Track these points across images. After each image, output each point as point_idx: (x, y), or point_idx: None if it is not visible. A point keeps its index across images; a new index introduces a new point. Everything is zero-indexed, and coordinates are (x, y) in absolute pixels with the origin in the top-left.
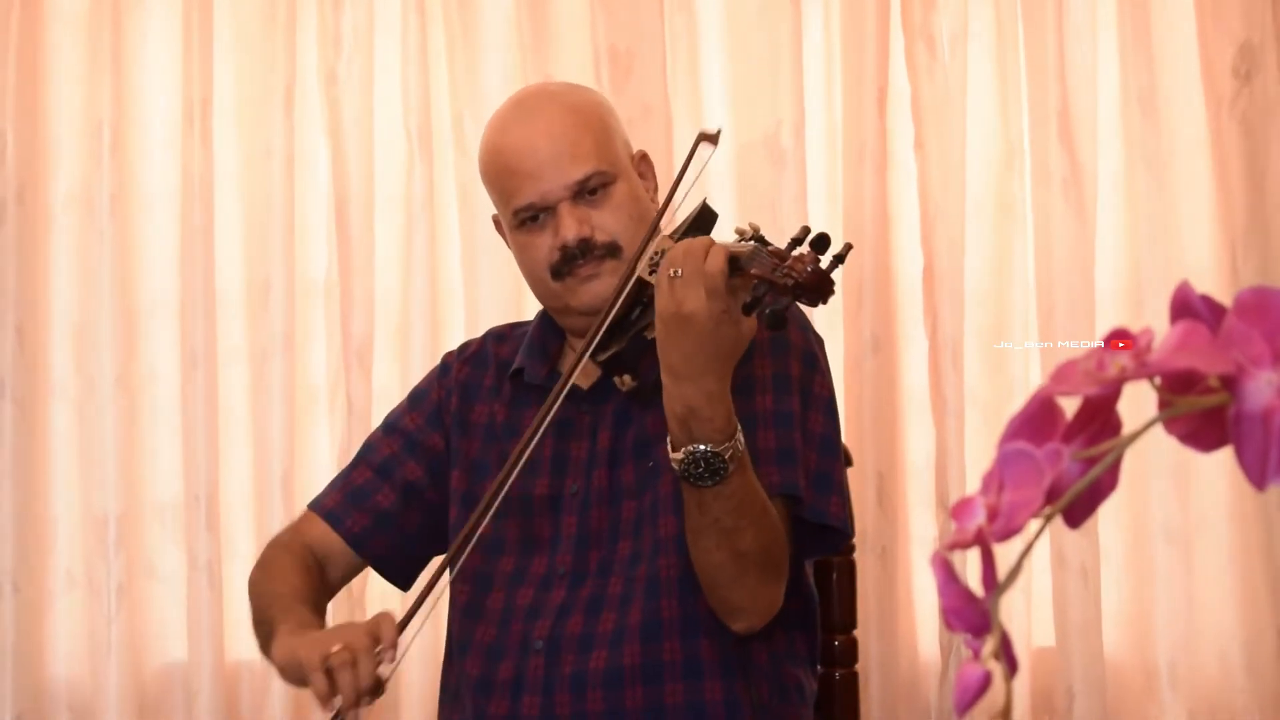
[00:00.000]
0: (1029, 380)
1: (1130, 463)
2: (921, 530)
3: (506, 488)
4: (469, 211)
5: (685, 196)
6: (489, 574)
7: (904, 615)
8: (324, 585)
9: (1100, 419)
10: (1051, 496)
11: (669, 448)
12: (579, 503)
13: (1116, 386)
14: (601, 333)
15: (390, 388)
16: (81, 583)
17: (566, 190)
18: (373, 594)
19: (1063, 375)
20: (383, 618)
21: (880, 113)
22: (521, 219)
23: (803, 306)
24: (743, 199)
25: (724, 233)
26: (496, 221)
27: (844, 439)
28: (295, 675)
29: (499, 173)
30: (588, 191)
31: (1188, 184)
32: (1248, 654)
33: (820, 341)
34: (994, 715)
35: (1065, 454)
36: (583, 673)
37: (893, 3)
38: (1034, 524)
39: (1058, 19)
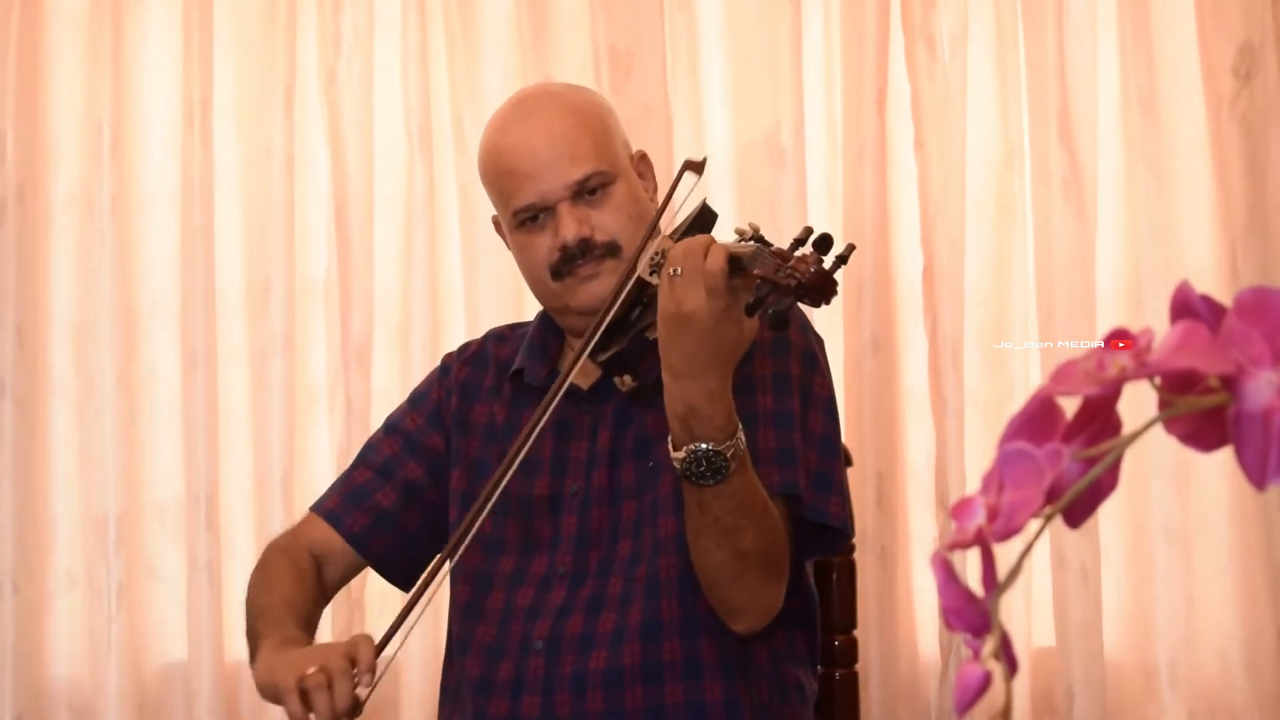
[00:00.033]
0: (1029, 380)
1: (1130, 463)
2: (921, 530)
3: (503, 485)
4: (469, 212)
5: (670, 223)
6: (489, 574)
7: (904, 615)
8: (319, 590)
9: (1100, 419)
10: (1051, 496)
11: (670, 447)
12: (579, 503)
13: (1116, 386)
14: (601, 333)
15: (390, 388)
16: (81, 583)
17: (566, 190)
18: (372, 595)
19: (1063, 375)
20: (361, 639)
21: (880, 113)
22: (521, 219)
23: (804, 307)
24: (742, 199)
25: (724, 233)
26: (496, 222)
27: (844, 439)
28: (271, 695)
29: (498, 173)
30: (587, 192)
31: (1188, 184)
32: (1248, 654)
33: (820, 341)
34: (994, 715)
35: (1065, 454)
36: (583, 673)
37: (893, 3)
38: (1034, 524)
39: (1058, 19)
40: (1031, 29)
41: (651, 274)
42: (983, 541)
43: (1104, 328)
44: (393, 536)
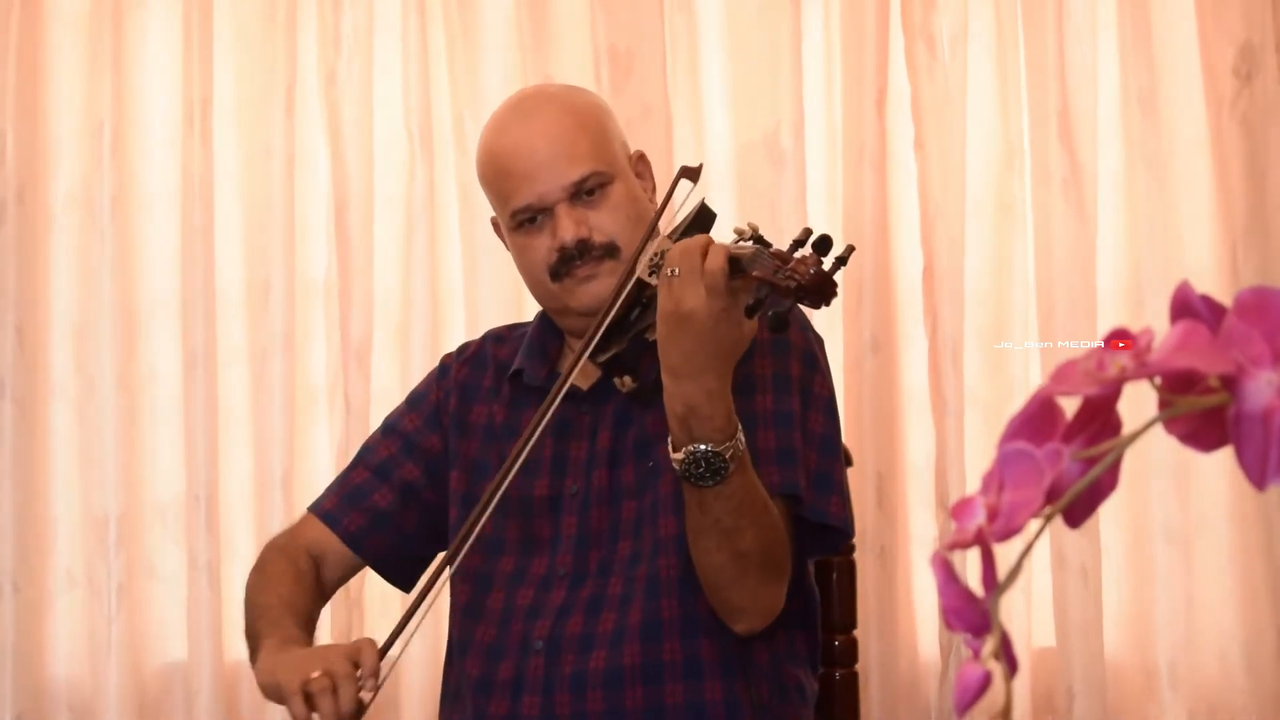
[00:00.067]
0: (1029, 380)
1: (1130, 463)
2: (921, 530)
3: (504, 487)
4: (469, 212)
5: (668, 229)
6: (489, 574)
7: (904, 615)
8: (318, 590)
9: (1100, 419)
10: (1051, 496)
11: (670, 448)
12: (579, 503)
13: (1116, 386)
14: (601, 333)
15: (390, 388)
16: (81, 583)
17: (564, 192)
18: (372, 595)
19: (1063, 375)
20: (364, 643)
21: (880, 113)
22: (519, 221)
23: (804, 308)
24: (742, 199)
25: (722, 232)
26: (495, 224)
27: (844, 439)
28: (275, 696)
29: (496, 175)
30: (585, 193)
31: (1188, 184)
32: (1248, 654)
33: (820, 341)
34: (994, 715)
35: (1065, 454)
36: (583, 673)
37: (893, 3)
38: (1034, 524)
39: (1058, 19)
40: (1031, 29)
41: (650, 274)
42: (983, 541)
43: (1104, 328)
44: (390, 537)
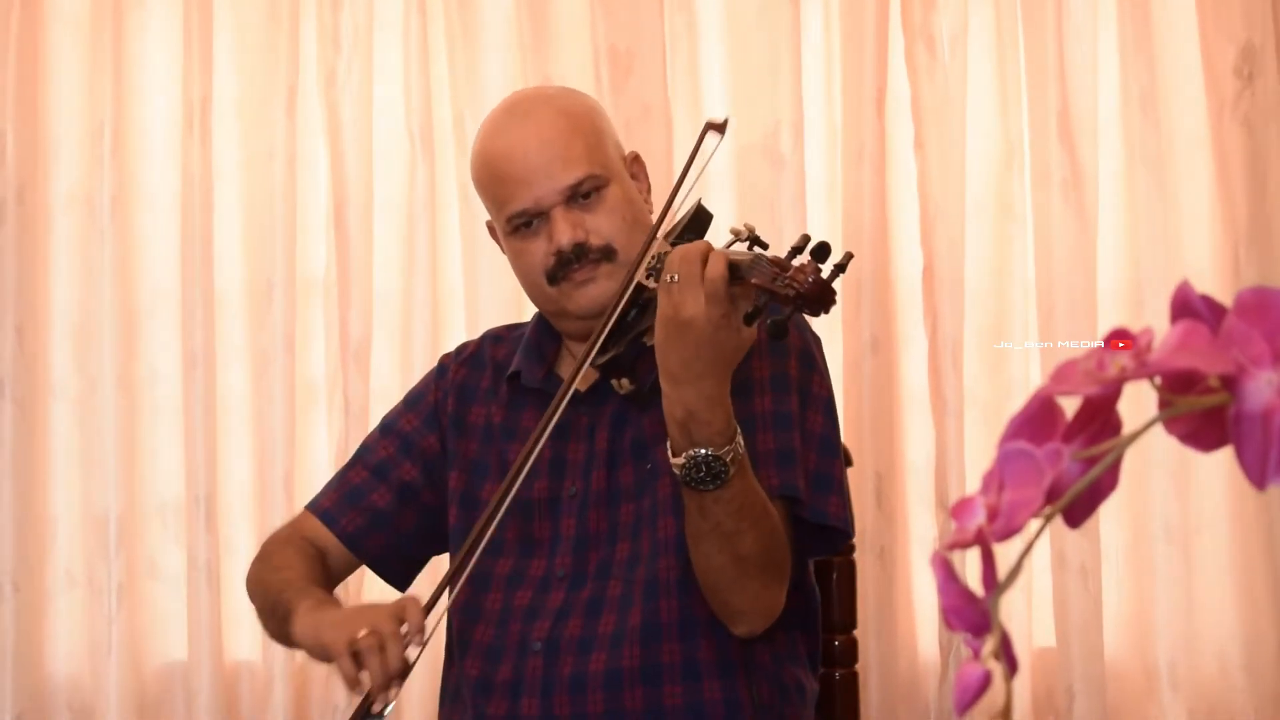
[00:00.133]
0: (1029, 380)
1: (1130, 462)
2: (921, 530)
3: (511, 495)
4: (469, 212)
5: (692, 188)
6: (486, 575)
7: (904, 615)
8: (326, 577)
9: (1100, 419)
10: (1051, 496)
11: (669, 452)
12: (577, 504)
13: (1116, 386)
14: (605, 338)
15: (389, 388)
16: (81, 582)
17: (560, 195)
18: (371, 594)
19: (1063, 375)
20: (408, 600)
21: (879, 113)
22: (515, 225)
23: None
24: (742, 200)
25: (720, 232)
26: (491, 228)
27: (844, 439)
28: (320, 655)
29: (491, 179)
30: (581, 196)
31: (1188, 184)
32: (1248, 654)
33: (818, 341)
34: (994, 715)
35: (1065, 454)
36: (582, 674)
37: (892, 3)
38: (1034, 524)
39: (1058, 19)
40: (1031, 29)
41: (648, 277)
42: (983, 541)
43: (1104, 328)
44: (388, 537)
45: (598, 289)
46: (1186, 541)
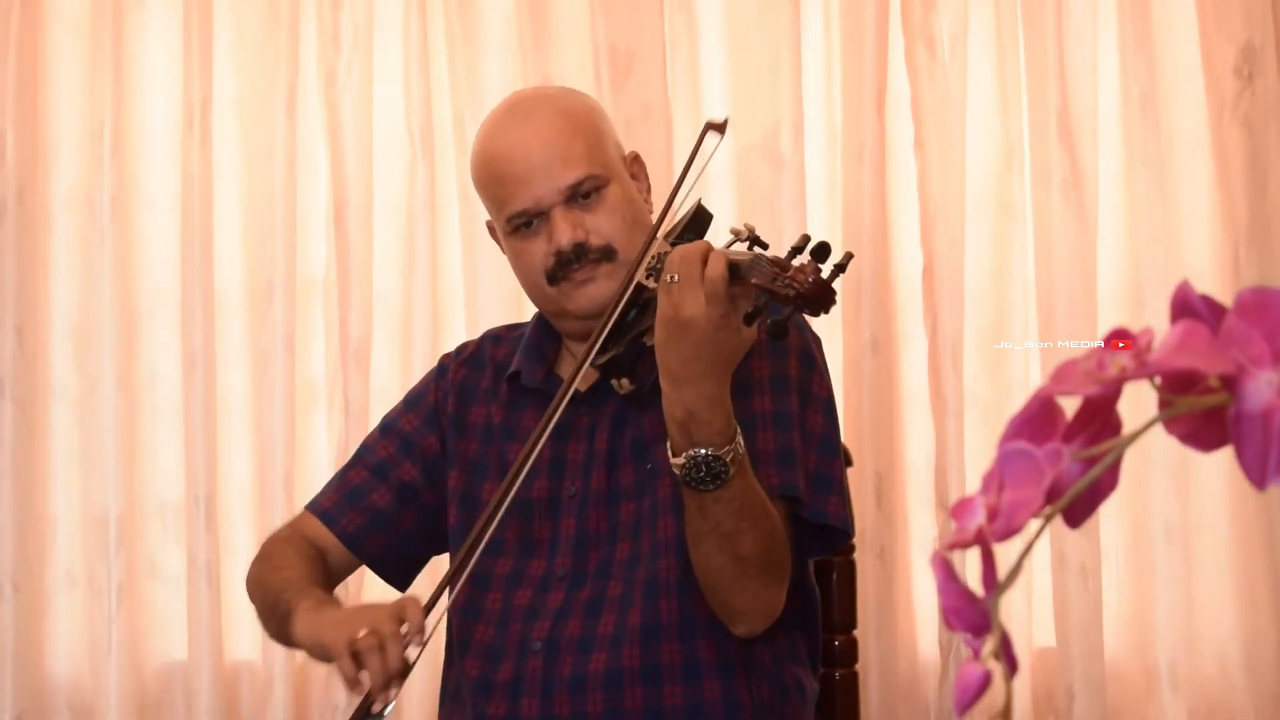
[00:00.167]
0: (1029, 380)
1: (1130, 462)
2: (921, 530)
3: (511, 495)
4: (469, 212)
5: (691, 188)
6: (486, 575)
7: (903, 615)
8: (327, 577)
9: (1100, 419)
10: (1051, 496)
11: (669, 453)
12: (577, 504)
13: (1116, 386)
14: (605, 338)
15: (389, 388)
16: (81, 582)
17: (559, 195)
18: (371, 594)
19: (1063, 375)
20: (408, 600)
21: (879, 113)
22: (515, 225)
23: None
24: (742, 200)
25: (719, 232)
26: (490, 227)
27: (844, 439)
28: (320, 655)
29: (491, 179)
30: (581, 196)
31: (1188, 184)
32: (1248, 654)
33: (817, 340)
34: (994, 715)
35: (1065, 454)
36: (582, 674)
37: (892, 3)
38: (1034, 524)
39: (1058, 19)
40: (1031, 29)
41: (648, 277)
42: (983, 541)
43: (1104, 328)
44: (388, 537)
45: (597, 289)
46: (1186, 541)
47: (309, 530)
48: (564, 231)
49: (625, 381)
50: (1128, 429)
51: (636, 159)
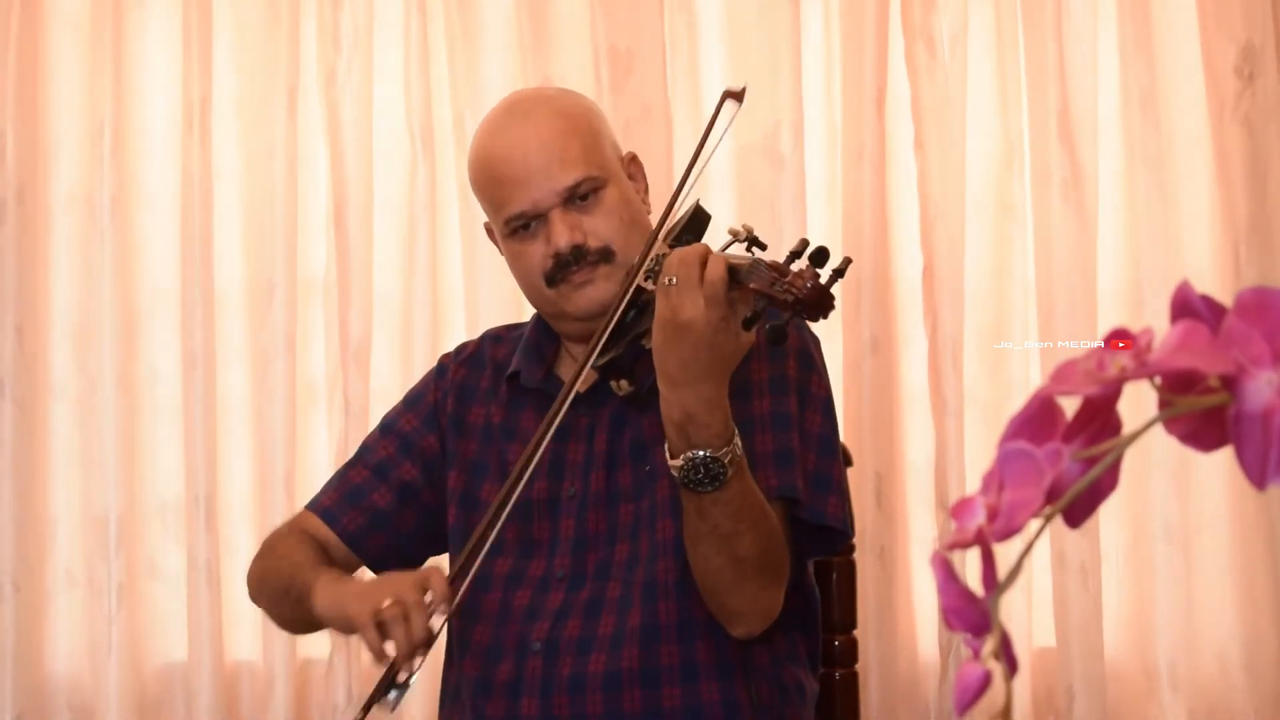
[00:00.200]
0: (1029, 380)
1: (1130, 462)
2: (921, 530)
3: (514, 500)
4: (470, 211)
5: (710, 157)
6: (486, 575)
7: (903, 615)
8: (332, 566)
9: (1100, 419)
10: (1051, 496)
11: (667, 454)
12: (577, 505)
13: (1116, 386)
14: (604, 340)
15: (390, 388)
16: (81, 582)
17: (557, 197)
18: None
19: (1063, 375)
20: (432, 570)
21: (879, 113)
22: (513, 227)
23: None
24: (742, 200)
25: (717, 233)
26: (488, 229)
27: (843, 439)
28: (343, 627)
29: (489, 181)
30: (579, 197)
31: (1188, 184)
32: (1248, 654)
33: (816, 341)
34: (994, 715)
35: (1065, 454)
36: (581, 675)
37: (892, 3)
38: (1034, 524)
39: (1057, 19)
40: (1031, 29)
41: (647, 279)
42: (983, 541)
43: (1104, 328)
44: (388, 537)
45: (596, 291)
46: (1186, 541)
47: (310, 528)
48: (562, 234)
49: (624, 383)
50: (1128, 429)
51: (634, 160)
